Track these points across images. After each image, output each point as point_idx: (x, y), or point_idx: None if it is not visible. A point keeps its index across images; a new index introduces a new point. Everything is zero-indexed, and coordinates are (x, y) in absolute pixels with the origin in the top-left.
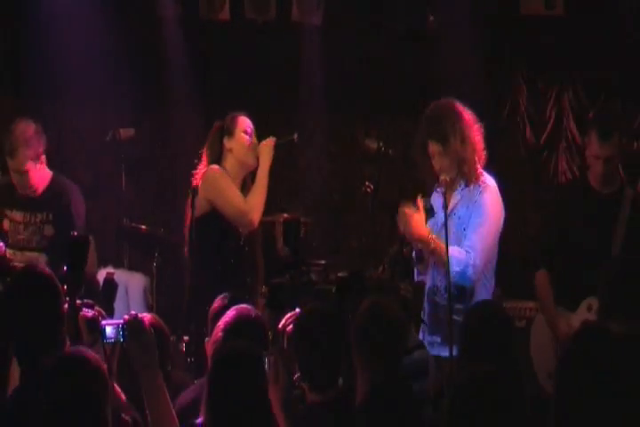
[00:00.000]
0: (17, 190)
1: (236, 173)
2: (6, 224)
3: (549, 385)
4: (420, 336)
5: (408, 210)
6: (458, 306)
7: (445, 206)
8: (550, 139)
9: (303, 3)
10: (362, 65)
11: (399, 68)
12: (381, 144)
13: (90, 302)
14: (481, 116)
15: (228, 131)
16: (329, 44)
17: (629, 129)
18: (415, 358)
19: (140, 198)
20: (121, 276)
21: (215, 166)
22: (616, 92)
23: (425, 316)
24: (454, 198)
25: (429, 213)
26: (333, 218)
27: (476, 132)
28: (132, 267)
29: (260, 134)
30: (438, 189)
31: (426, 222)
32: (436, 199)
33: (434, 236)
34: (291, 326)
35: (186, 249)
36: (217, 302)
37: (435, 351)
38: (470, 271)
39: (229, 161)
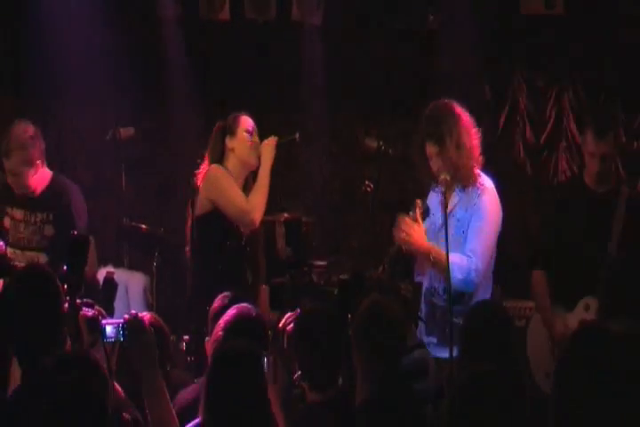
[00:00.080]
0: (14, 190)
1: (237, 172)
2: (7, 222)
3: (546, 385)
4: None
5: (408, 221)
6: (456, 308)
7: (445, 206)
8: (550, 138)
9: (303, 3)
10: (362, 65)
11: (399, 68)
12: (381, 143)
13: (90, 301)
14: (481, 116)
15: (231, 130)
16: (329, 44)
17: (629, 129)
18: (415, 358)
19: (140, 198)
20: (121, 275)
21: (217, 166)
22: (616, 92)
23: (422, 316)
24: (453, 200)
25: (425, 213)
26: (334, 218)
27: (473, 136)
28: (132, 266)
29: (261, 134)
30: (437, 189)
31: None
32: (433, 198)
33: (433, 244)
34: (291, 326)
35: (187, 249)
36: (217, 302)
37: (431, 352)
38: (473, 276)
39: (231, 160)
